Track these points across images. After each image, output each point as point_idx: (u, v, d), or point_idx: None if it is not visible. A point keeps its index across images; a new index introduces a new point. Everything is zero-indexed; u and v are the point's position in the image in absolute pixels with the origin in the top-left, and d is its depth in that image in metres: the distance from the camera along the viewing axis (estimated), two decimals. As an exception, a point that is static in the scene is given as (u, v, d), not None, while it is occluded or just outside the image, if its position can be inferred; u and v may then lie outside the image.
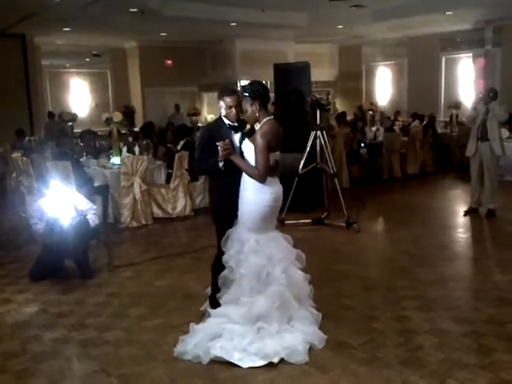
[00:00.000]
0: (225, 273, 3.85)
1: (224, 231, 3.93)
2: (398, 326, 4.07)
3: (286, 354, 3.55)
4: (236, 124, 4.00)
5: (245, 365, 3.49)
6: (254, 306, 3.68)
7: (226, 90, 4.07)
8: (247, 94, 3.81)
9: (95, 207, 5.79)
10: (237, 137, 3.99)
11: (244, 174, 3.83)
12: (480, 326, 4.05)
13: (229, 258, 3.82)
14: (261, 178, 3.75)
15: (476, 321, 4.14)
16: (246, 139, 3.87)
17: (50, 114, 13.86)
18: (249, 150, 3.81)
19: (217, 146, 3.78)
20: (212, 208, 4.22)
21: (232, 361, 3.51)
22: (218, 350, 3.54)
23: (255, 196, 3.79)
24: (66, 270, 5.48)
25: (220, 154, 3.77)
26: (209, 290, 4.28)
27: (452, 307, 4.42)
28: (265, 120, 3.82)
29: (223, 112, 3.96)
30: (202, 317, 4.15)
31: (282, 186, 3.97)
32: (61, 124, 13.06)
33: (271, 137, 3.77)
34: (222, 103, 3.94)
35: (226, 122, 3.98)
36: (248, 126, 4.03)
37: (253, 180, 3.78)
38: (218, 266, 3.97)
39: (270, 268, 3.77)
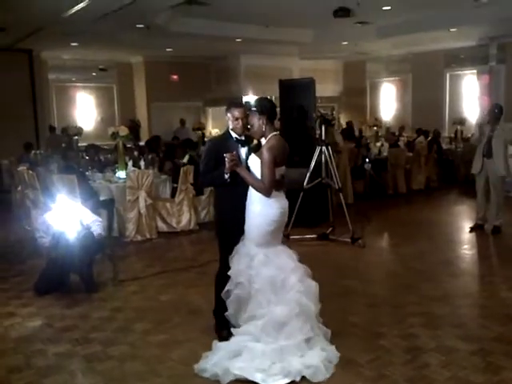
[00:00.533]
0: (236, 291, 3.80)
1: (228, 245, 3.91)
2: (404, 344, 4.03)
3: (309, 374, 3.52)
4: (243, 138, 4.03)
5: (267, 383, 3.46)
6: (272, 315, 3.65)
7: (234, 102, 4.14)
8: (254, 109, 3.86)
9: (100, 219, 5.80)
10: (243, 151, 4.02)
11: (251, 187, 3.85)
12: (487, 343, 4.01)
13: (238, 272, 3.80)
14: (266, 192, 3.77)
15: (483, 338, 4.10)
16: (253, 154, 3.89)
17: (52, 128, 13.73)
18: (255, 164, 3.83)
19: (222, 158, 3.80)
20: (217, 221, 4.20)
21: (255, 380, 3.47)
22: (238, 370, 3.50)
23: (262, 210, 3.80)
24: (71, 283, 5.47)
25: (227, 165, 3.78)
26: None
27: (459, 324, 4.39)
28: (271, 135, 3.86)
29: (230, 125, 3.99)
30: (206, 332, 4.15)
31: (287, 201, 3.98)
32: (62, 138, 13.00)
33: (277, 152, 3.80)
34: (229, 115, 3.98)
35: (234, 135, 4.02)
36: (255, 141, 4.05)
37: (259, 194, 3.80)
38: (222, 280, 3.93)
39: (282, 276, 3.75)
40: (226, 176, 3.84)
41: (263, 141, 3.89)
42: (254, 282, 3.74)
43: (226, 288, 3.86)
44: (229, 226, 3.98)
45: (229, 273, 3.84)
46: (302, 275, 3.84)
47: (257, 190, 3.79)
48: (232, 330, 3.82)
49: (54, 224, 5.40)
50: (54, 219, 5.43)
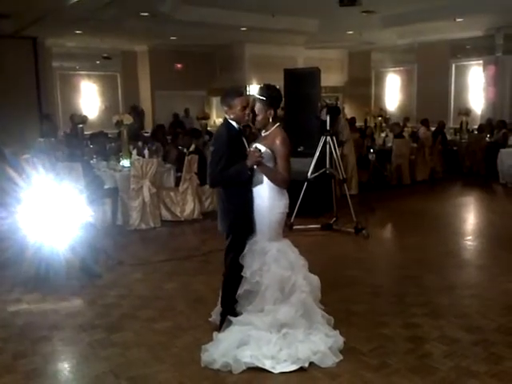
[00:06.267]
0: (247, 287, 3.76)
1: (243, 244, 3.81)
2: (407, 333, 4.05)
3: (317, 359, 3.56)
4: (241, 127, 3.90)
5: (277, 371, 3.49)
6: (277, 314, 3.64)
7: (234, 91, 3.89)
8: (264, 99, 3.78)
9: (92, 213, 5.65)
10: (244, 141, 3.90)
11: (259, 183, 3.78)
12: (490, 334, 4.03)
13: (254, 272, 3.73)
14: (286, 184, 3.78)
15: (486, 329, 4.12)
16: (258, 144, 3.80)
17: (47, 116, 13.28)
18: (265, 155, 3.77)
19: (236, 152, 3.71)
20: (233, 220, 3.84)
21: (264, 368, 3.50)
22: (249, 358, 3.52)
23: (272, 204, 3.78)
24: (72, 271, 5.41)
25: (251, 160, 3.66)
26: (216, 315, 4.17)
27: (461, 315, 4.40)
28: (276, 126, 3.83)
29: (232, 114, 3.79)
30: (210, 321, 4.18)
31: None
32: (53, 125, 12.64)
33: (289, 143, 3.79)
34: (232, 106, 3.77)
35: (235, 125, 3.84)
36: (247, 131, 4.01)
37: (268, 188, 3.76)
38: (235, 282, 3.82)
39: (292, 275, 3.74)
40: (249, 172, 3.70)
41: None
42: (264, 277, 3.71)
43: (243, 288, 3.77)
44: (246, 226, 3.83)
45: (243, 274, 3.75)
46: (306, 272, 3.85)
47: (275, 182, 3.74)
48: (232, 318, 3.76)
49: (44, 216, 5.13)
50: (46, 210, 5.14)
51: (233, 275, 3.84)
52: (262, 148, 3.75)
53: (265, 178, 3.77)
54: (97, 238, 5.70)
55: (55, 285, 5.19)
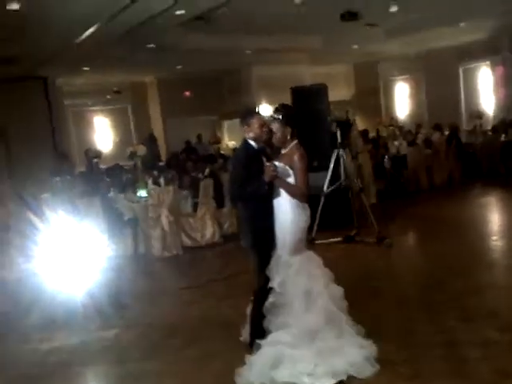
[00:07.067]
0: (273, 299, 3.80)
1: (268, 258, 3.86)
2: (439, 339, 3.98)
3: (355, 371, 3.54)
4: (260, 146, 3.98)
5: None
6: (304, 324, 3.66)
7: (250, 111, 4.11)
8: (280, 118, 3.87)
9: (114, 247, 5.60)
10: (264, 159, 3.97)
11: (281, 198, 3.84)
12: (525, 334, 3.94)
13: (279, 284, 3.78)
14: (304, 198, 3.85)
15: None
16: (277, 162, 3.87)
17: (65, 155, 12.51)
18: (284, 171, 3.84)
19: (255, 170, 3.79)
20: (255, 236, 3.93)
21: None
22: (285, 377, 3.51)
23: (294, 218, 3.84)
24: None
25: (267, 175, 3.75)
26: (246, 334, 4.18)
27: (494, 316, 4.31)
28: (294, 143, 3.91)
29: (251, 134, 3.92)
30: (239, 344, 4.16)
31: None
32: (72, 164, 12.53)
33: (306, 158, 3.86)
34: (250, 124, 3.91)
35: (254, 144, 3.95)
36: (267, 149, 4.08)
37: (290, 203, 3.82)
38: (264, 295, 3.84)
39: (313, 284, 3.78)
40: (266, 187, 3.80)
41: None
42: (289, 289, 3.75)
43: (269, 301, 3.81)
44: (269, 239, 3.90)
45: (272, 285, 3.80)
46: (327, 281, 3.87)
47: (295, 196, 3.82)
48: (260, 341, 3.75)
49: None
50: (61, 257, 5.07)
51: (262, 288, 3.89)
52: (277, 163, 3.83)
53: (284, 193, 3.83)
54: (116, 279, 5.63)
55: (82, 322, 5.09)
